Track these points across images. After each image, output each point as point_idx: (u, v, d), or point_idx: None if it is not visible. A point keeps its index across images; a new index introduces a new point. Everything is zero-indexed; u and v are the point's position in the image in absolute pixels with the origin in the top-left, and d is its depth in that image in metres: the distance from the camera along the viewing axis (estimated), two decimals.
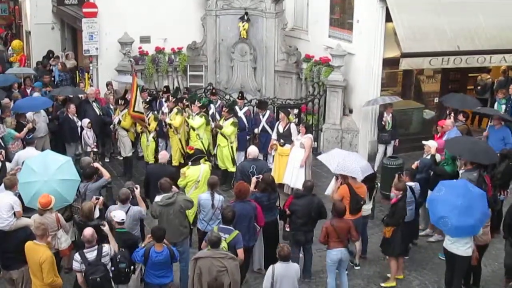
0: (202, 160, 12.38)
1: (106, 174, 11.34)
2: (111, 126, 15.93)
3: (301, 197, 10.97)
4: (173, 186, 10.75)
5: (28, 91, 17.56)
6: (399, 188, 10.97)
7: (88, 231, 8.98)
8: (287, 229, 11.23)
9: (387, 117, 15.69)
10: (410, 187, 11.61)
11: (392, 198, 11.09)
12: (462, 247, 10.21)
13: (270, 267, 9.22)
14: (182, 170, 12.10)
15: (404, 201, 10.96)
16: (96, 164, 11.57)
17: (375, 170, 14.40)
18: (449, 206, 9.96)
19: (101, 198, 10.56)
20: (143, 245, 9.48)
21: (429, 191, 12.05)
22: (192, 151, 13.21)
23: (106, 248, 9.00)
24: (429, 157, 12.72)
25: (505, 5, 16.76)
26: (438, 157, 12.78)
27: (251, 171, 12.20)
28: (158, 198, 10.43)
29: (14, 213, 9.85)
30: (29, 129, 14.36)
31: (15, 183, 10.43)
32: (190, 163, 12.17)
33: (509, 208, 10.52)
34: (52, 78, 20.09)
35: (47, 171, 10.43)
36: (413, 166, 12.39)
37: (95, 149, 15.35)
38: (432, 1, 16.36)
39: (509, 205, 11.07)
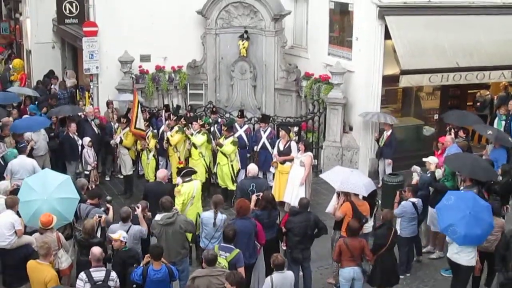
0: (194, 176, 12.30)
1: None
2: (112, 142, 15.93)
3: (297, 215, 10.88)
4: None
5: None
6: (382, 216, 10.91)
7: (97, 250, 8.94)
8: (284, 247, 11.12)
9: (384, 134, 15.73)
10: (413, 203, 11.62)
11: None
12: (466, 257, 10.23)
13: (268, 278, 9.21)
14: (177, 189, 11.89)
15: (385, 229, 10.74)
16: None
17: (379, 185, 14.42)
18: (458, 215, 10.05)
19: (104, 216, 10.55)
20: (142, 264, 9.42)
21: (429, 208, 12.04)
22: (182, 165, 13.06)
23: (114, 273, 8.94)
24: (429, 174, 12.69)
25: (504, 21, 16.85)
26: (439, 173, 12.74)
27: (250, 189, 12.14)
28: (158, 217, 10.35)
29: (15, 232, 9.84)
30: (32, 147, 14.40)
31: (16, 203, 10.39)
32: (180, 178, 12.00)
33: (501, 239, 10.44)
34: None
35: (46, 190, 10.41)
36: (413, 182, 12.38)
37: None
38: (431, 18, 16.42)
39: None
